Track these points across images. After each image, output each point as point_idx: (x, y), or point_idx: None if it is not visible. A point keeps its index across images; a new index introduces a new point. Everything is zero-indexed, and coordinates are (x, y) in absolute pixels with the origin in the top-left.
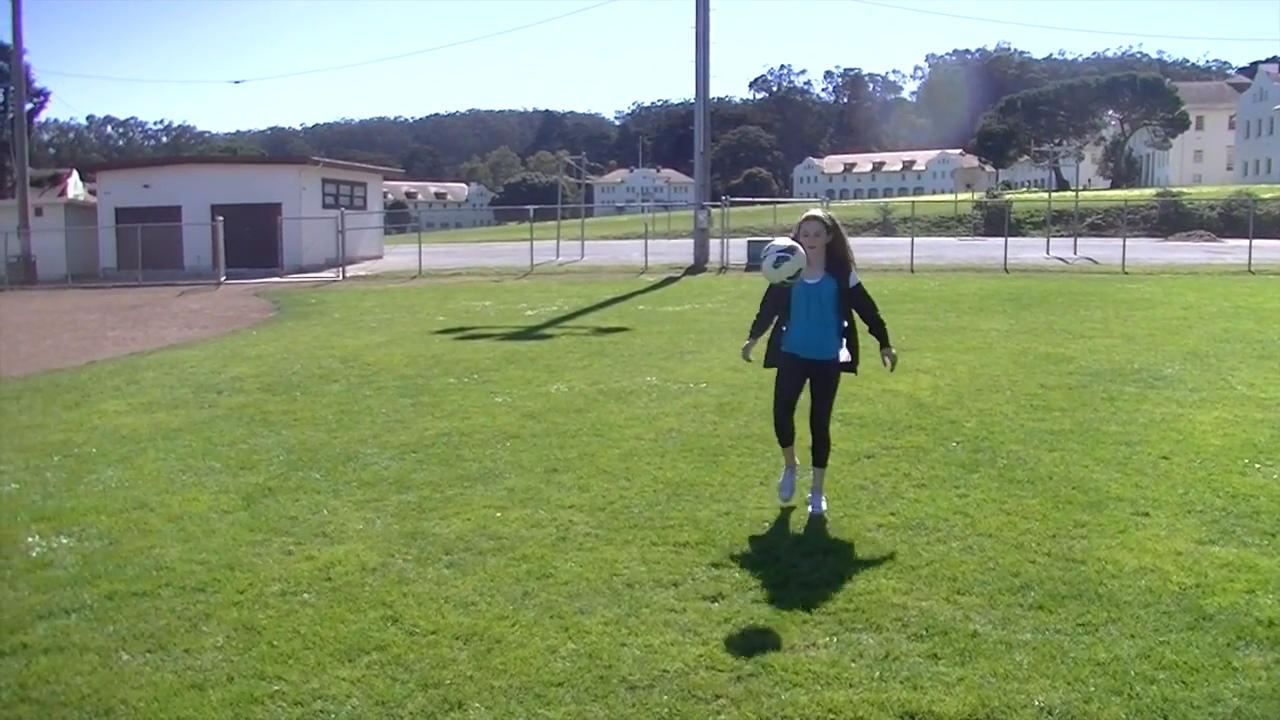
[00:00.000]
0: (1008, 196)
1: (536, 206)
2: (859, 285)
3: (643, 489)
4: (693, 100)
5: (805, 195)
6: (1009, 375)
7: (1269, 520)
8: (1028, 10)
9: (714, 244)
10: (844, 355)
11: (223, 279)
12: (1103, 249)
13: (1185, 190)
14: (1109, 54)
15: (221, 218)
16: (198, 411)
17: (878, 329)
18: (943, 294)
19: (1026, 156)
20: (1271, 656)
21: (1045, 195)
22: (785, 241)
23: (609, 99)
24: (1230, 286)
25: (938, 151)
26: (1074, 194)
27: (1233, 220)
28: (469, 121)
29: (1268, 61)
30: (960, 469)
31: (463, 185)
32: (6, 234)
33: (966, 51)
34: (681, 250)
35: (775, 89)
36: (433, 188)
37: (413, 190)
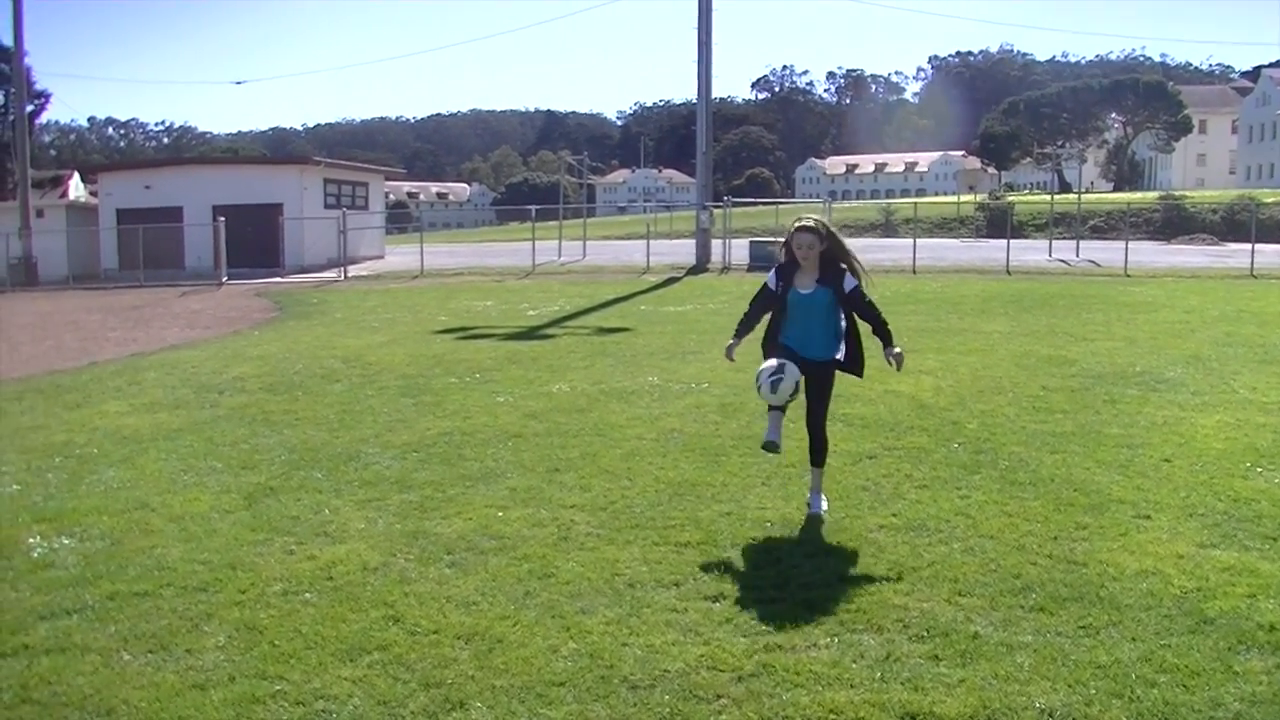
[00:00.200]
0: (1010, 198)
1: (538, 206)
2: (856, 288)
3: (644, 489)
4: (695, 100)
5: (807, 196)
6: (1011, 377)
7: (1270, 524)
8: (1031, 12)
9: (716, 244)
10: (840, 354)
11: (224, 279)
12: (1105, 252)
13: (1188, 194)
14: (1112, 57)
15: (223, 218)
16: (199, 412)
17: (880, 330)
18: (945, 295)
19: (1029, 159)
20: (1272, 661)
21: (1048, 197)
22: (772, 363)
23: (611, 99)
24: (1233, 290)
25: (940, 153)
26: (1076, 196)
27: (1235, 224)
28: (470, 121)
29: (1271, 66)
30: (962, 470)
31: (464, 185)
32: (8, 235)
33: (969, 53)
34: (683, 250)
35: (777, 89)
36: (434, 188)
37: (414, 190)
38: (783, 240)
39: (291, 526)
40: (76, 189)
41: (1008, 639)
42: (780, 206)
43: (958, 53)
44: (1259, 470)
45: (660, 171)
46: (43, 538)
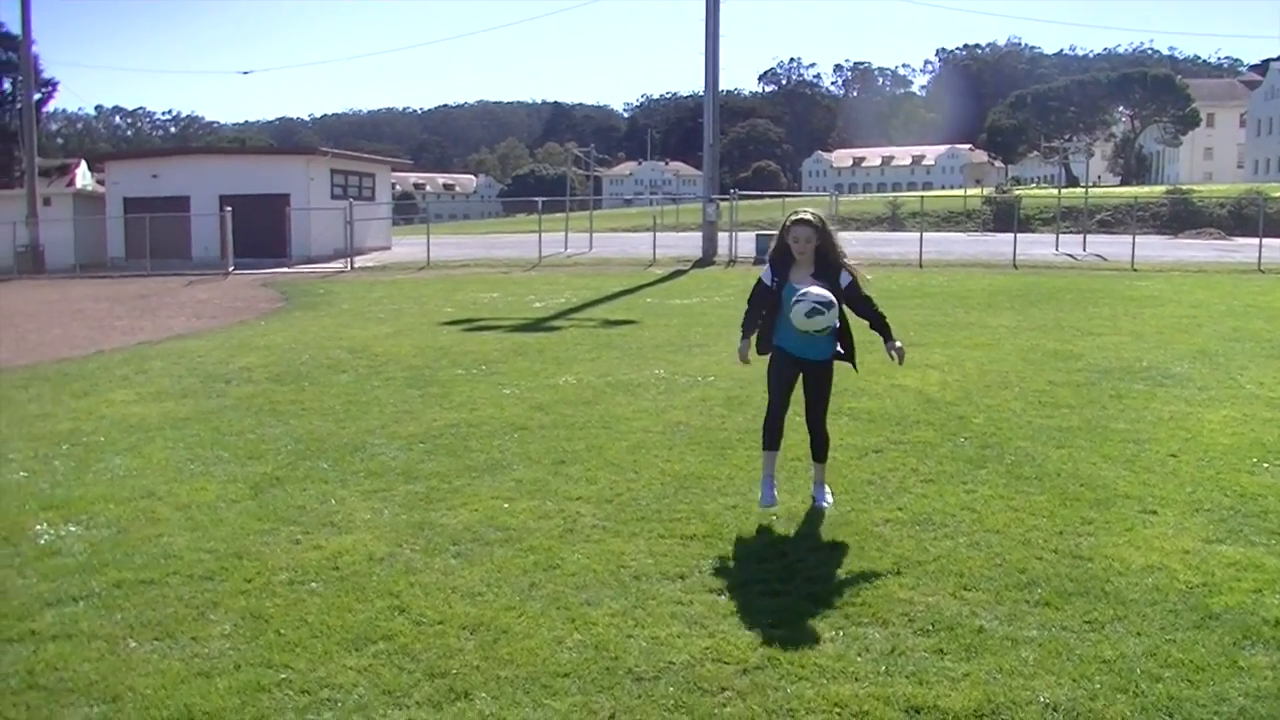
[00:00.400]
0: (1017, 192)
1: (545, 198)
2: (852, 283)
3: (650, 481)
4: (702, 93)
5: (814, 189)
6: (1017, 371)
7: (1277, 520)
8: (1038, 5)
9: (722, 237)
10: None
11: (231, 269)
12: (1112, 246)
13: (1195, 188)
14: (1120, 50)
15: (230, 208)
16: (206, 401)
17: (878, 325)
18: (951, 289)
19: (1036, 152)
20: (1278, 656)
21: (1055, 191)
22: (826, 294)
23: (618, 91)
24: (1240, 285)
25: (947, 146)
26: (1084, 190)
27: (1243, 218)
28: (477, 113)
29: (1279, 59)
30: (968, 465)
31: (471, 177)
32: (15, 223)
33: (977, 46)
34: (690, 243)
35: (784, 82)
36: (441, 179)
37: (421, 181)
38: (780, 227)
39: (298, 516)
40: (83, 177)
41: (1013, 633)
42: (787, 199)
43: (965, 46)
44: (1265, 465)
45: (667, 164)
46: (50, 525)
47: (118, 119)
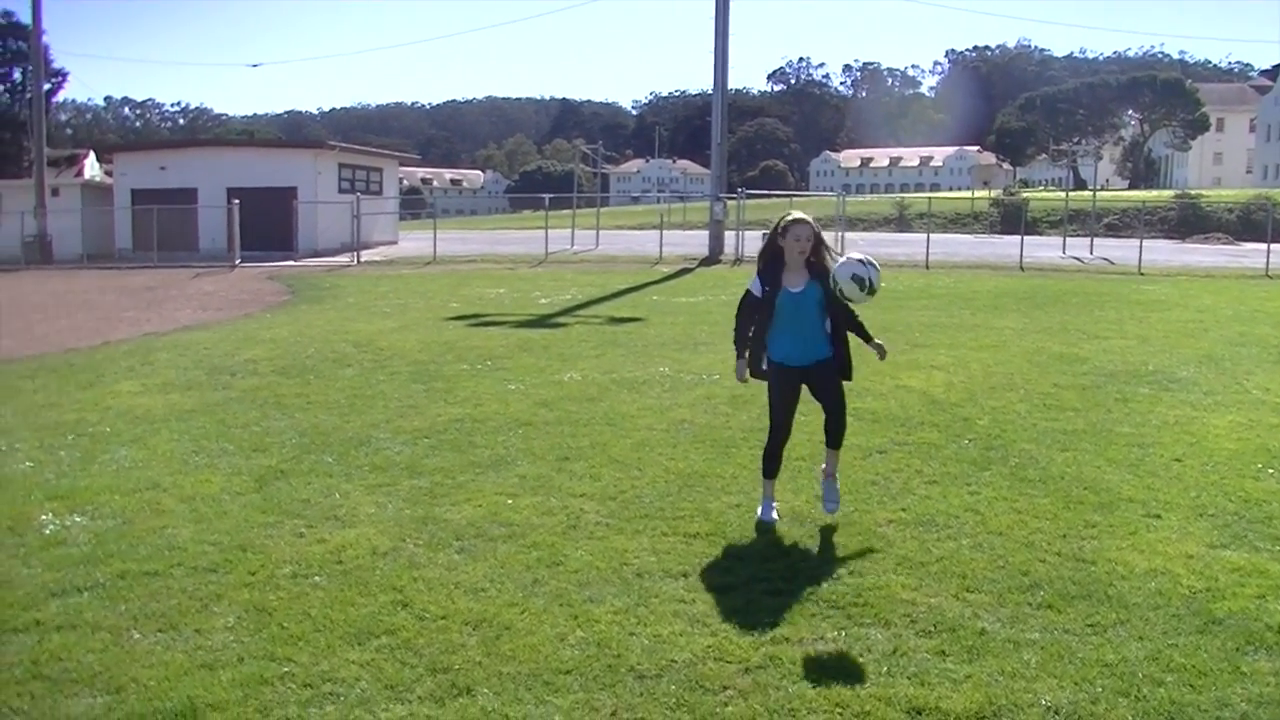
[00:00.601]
0: (1025, 195)
1: (552, 195)
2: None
3: (654, 479)
4: (710, 91)
5: (821, 188)
6: (1022, 374)
7: None
8: (1049, 8)
9: (729, 236)
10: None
11: (237, 262)
12: (1119, 249)
13: (1204, 192)
14: (1130, 53)
15: (237, 201)
16: (211, 393)
17: (859, 327)
18: (957, 291)
19: (1044, 155)
20: None
21: (1062, 194)
22: (872, 268)
23: (626, 89)
24: (1247, 290)
25: (955, 148)
26: (1091, 193)
27: (1251, 224)
28: (486, 109)
29: None
30: (972, 466)
31: (478, 172)
32: (23, 214)
33: (987, 48)
34: (696, 241)
35: (793, 81)
36: (448, 174)
37: (428, 176)
38: (770, 232)
39: (302, 510)
40: (92, 168)
41: (1015, 636)
42: (794, 199)
43: (975, 47)
44: (1270, 471)
45: (674, 162)
46: (55, 515)
47: (126, 110)
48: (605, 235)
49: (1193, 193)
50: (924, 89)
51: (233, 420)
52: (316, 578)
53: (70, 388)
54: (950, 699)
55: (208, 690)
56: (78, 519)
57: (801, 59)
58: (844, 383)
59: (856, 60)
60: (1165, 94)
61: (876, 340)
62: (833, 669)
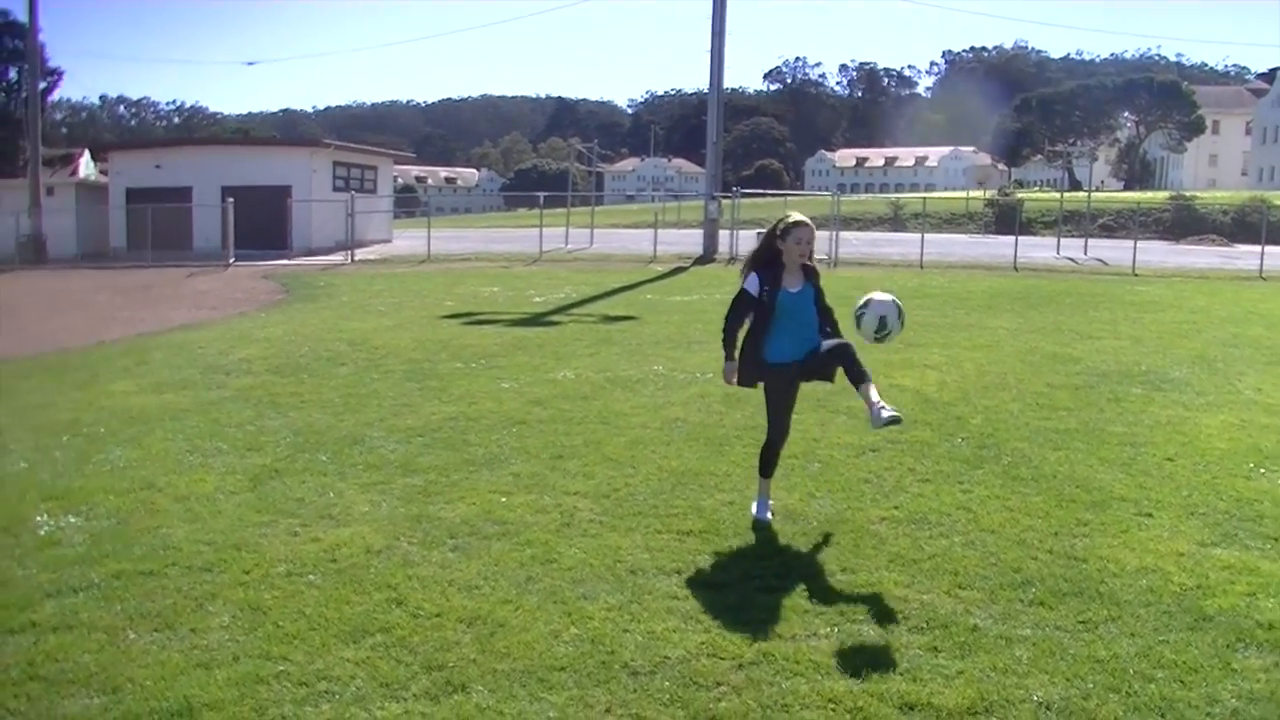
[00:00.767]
0: (1020, 195)
1: (547, 193)
2: (821, 288)
3: (648, 477)
4: (706, 90)
5: (816, 188)
6: (1016, 373)
7: (1272, 524)
8: (1046, 9)
9: (724, 235)
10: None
11: (232, 260)
12: (1114, 250)
13: (1199, 194)
14: (1127, 55)
15: (232, 199)
16: (205, 392)
17: (834, 328)
18: (952, 291)
19: (1040, 156)
20: (1270, 659)
21: (1057, 195)
22: (885, 302)
23: (622, 87)
24: (1241, 292)
25: (951, 148)
26: (1086, 194)
27: (1246, 226)
28: (481, 106)
29: None
30: (964, 465)
31: (473, 170)
32: (18, 213)
33: (984, 49)
34: (691, 240)
35: (789, 81)
36: (443, 172)
37: (423, 174)
38: (768, 233)
39: (296, 509)
40: (87, 167)
41: (1007, 632)
42: (789, 198)
43: (971, 48)
44: (1262, 471)
45: (670, 161)
46: (50, 515)
47: (122, 109)
48: (600, 234)
49: (1188, 194)
50: (920, 89)
51: (227, 419)
52: (311, 576)
53: (65, 388)
54: (942, 695)
55: (203, 689)
56: (73, 519)
57: (798, 58)
58: (834, 388)
59: (853, 60)
60: (1161, 96)
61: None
62: (826, 665)
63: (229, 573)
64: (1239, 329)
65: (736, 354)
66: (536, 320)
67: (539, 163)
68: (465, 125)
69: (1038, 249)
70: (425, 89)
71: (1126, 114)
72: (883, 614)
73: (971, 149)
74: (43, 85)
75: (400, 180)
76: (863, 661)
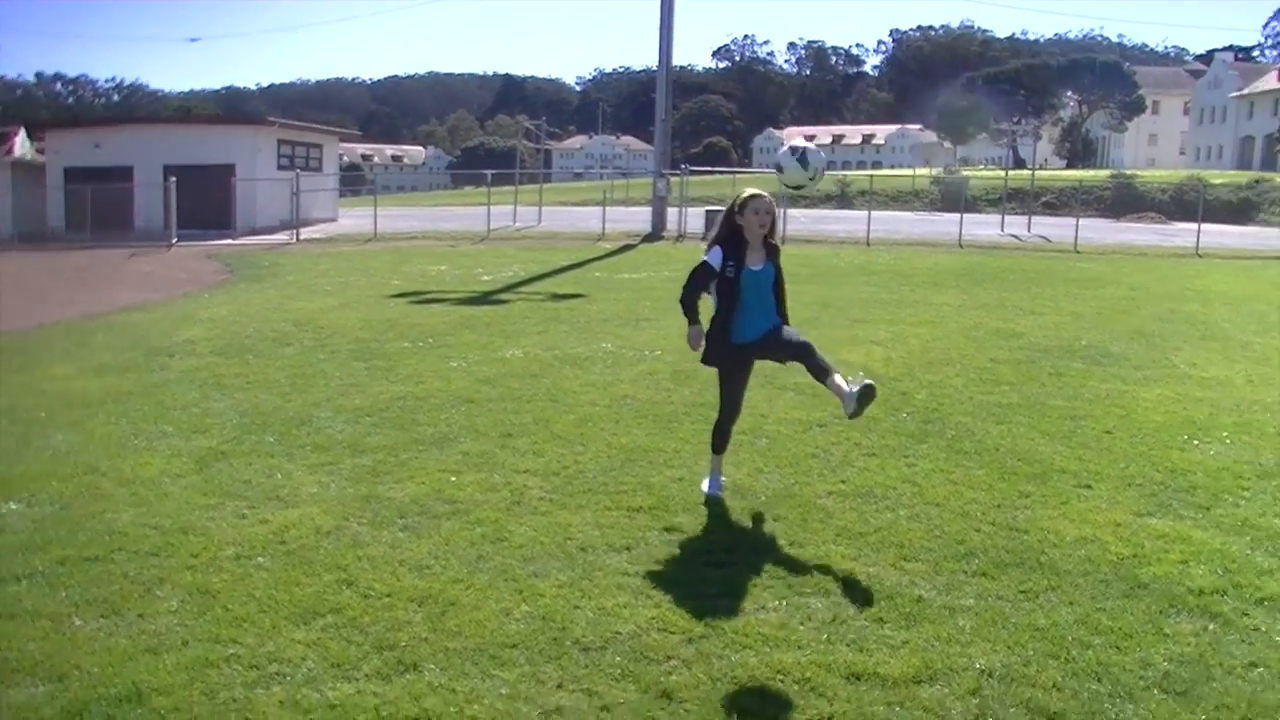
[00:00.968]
0: (965, 173)
1: (494, 171)
2: (780, 268)
3: (597, 454)
4: (655, 68)
5: (765, 166)
6: (960, 349)
7: (1204, 494)
8: None
9: (672, 212)
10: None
11: (174, 241)
12: (1056, 228)
13: (1139, 173)
14: (1070, 35)
15: (174, 179)
16: (149, 375)
17: (785, 314)
18: (897, 268)
19: (985, 134)
20: (1200, 623)
21: (1002, 173)
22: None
23: (570, 64)
24: (1178, 268)
25: (898, 127)
26: (1030, 173)
27: (1184, 204)
28: (427, 84)
29: (1224, 49)
30: (909, 439)
31: (420, 148)
32: None
33: (931, 28)
34: (639, 218)
35: (738, 59)
36: (389, 150)
37: (369, 152)
38: (726, 211)
39: (243, 491)
40: (22, 146)
41: (950, 602)
42: (737, 175)
43: (918, 27)
44: (1195, 442)
45: (618, 138)
46: None
47: (59, 86)
48: (548, 212)
49: (1128, 173)
50: (868, 68)
51: (172, 402)
52: (260, 559)
53: (3, 371)
54: (888, 664)
55: (153, 675)
56: (14, 506)
57: (746, 36)
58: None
59: (801, 38)
60: (1103, 76)
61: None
62: (774, 638)
63: (176, 557)
64: (1175, 305)
65: (698, 320)
66: (484, 299)
67: (486, 140)
68: (411, 103)
69: (982, 226)
70: (371, 66)
71: (1069, 93)
72: (829, 587)
73: (918, 127)
74: None
75: (346, 158)
76: (810, 633)
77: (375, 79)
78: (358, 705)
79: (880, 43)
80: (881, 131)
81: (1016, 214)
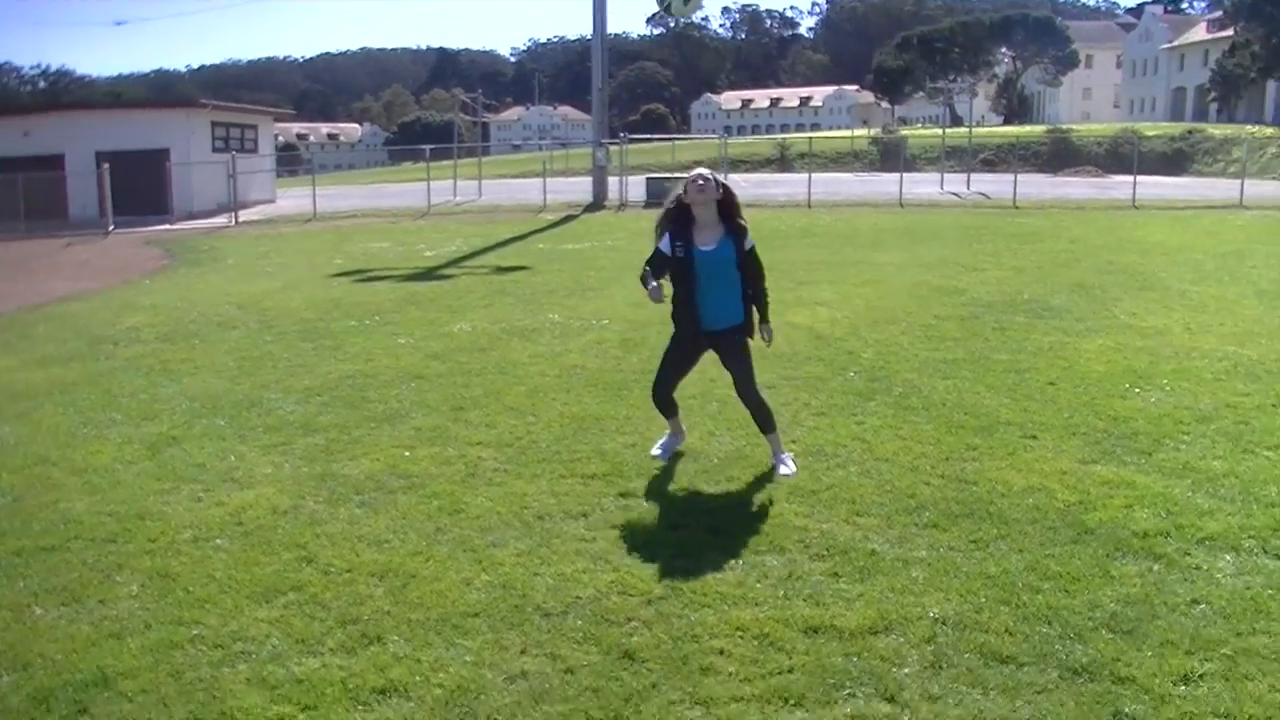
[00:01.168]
0: (903, 132)
1: (432, 146)
2: (753, 248)
3: (549, 424)
4: (590, 37)
5: (703, 131)
6: (904, 307)
7: (1146, 440)
8: None
9: (612, 181)
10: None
11: (111, 228)
12: (995, 184)
13: (1074, 127)
14: None
15: (107, 165)
16: (94, 364)
17: (760, 299)
18: (839, 229)
19: (922, 93)
20: (1145, 565)
21: (940, 131)
22: None
23: (504, 36)
24: (1115, 221)
25: (834, 88)
26: (968, 130)
27: (1119, 156)
28: (360, 60)
29: (1153, 2)
30: (858, 397)
31: (355, 125)
32: None
33: None
34: (580, 188)
35: (672, 25)
36: (325, 128)
37: (304, 131)
38: (674, 195)
39: (198, 474)
40: None
41: (903, 555)
42: (676, 142)
43: None
44: (1136, 391)
45: (555, 109)
46: None
47: None
48: (488, 185)
49: (1064, 128)
50: (803, 29)
51: (119, 390)
52: (218, 540)
53: None
54: (844, 616)
55: (117, 659)
56: None
57: None
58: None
59: (735, 2)
60: (1036, 32)
61: (770, 325)
62: (732, 596)
63: (134, 542)
64: (1114, 257)
65: (659, 277)
66: (428, 274)
67: (423, 115)
68: (345, 80)
69: (922, 185)
70: (302, 44)
71: (1004, 50)
72: (784, 544)
73: (855, 88)
74: None
75: (281, 138)
76: (767, 590)
77: (307, 57)
78: (324, 679)
79: (814, 4)
80: (819, 93)
81: (955, 172)
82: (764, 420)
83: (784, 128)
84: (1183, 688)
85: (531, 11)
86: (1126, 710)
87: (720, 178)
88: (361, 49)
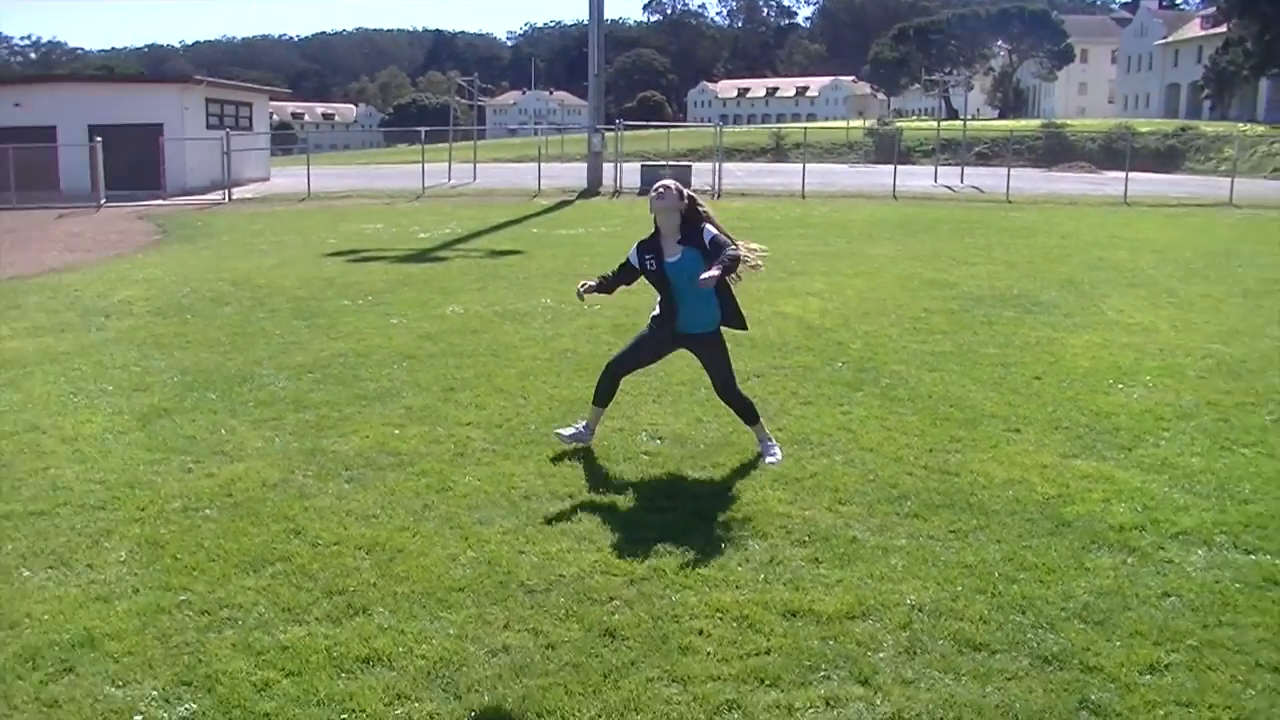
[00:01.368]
0: (899, 124)
1: (428, 128)
2: (715, 236)
3: (539, 406)
4: (587, 21)
5: (699, 119)
6: (894, 299)
7: (1127, 436)
8: None
9: (607, 167)
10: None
11: (103, 202)
12: (989, 178)
13: (1069, 122)
14: None
15: (100, 138)
16: (86, 335)
17: (719, 260)
18: (833, 220)
19: (918, 85)
20: (1119, 558)
21: (935, 124)
22: None
23: (501, 19)
24: (1107, 217)
25: (831, 78)
26: (963, 123)
27: (1113, 152)
28: (357, 40)
29: None
30: (845, 387)
31: (351, 106)
32: None
33: None
34: (575, 174)
35: (670, 12)
36: (320, 108)
37: (299, 111)
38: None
39: (188, 446)
40: None
41: (883, 543)
42: (672, 130)
43: None
44: (1120, 386)
45: (551, 94)
46: None
47: None
48: (483, 169)
49: (1058, 122)
50: (800, 19)
51: (110, 361)
52: (207, 510)
53: None
54: (823, 601)
55: (104, 621)
56: None
57: None
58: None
59: None
60: (1032, 25)
61: (716, 271)
62: (714, 579)
63: (123, 510)
64: (1104, 253)
65: (601, 285)
66: (422, 256)
67: (418, 97)
68: (341, 60)
69: (916, 177)
70: (298, 22)
71: (1000, 43)
72: (767, 529)
73: (851, 79)
74: None
75: (276, 117)
76: (748, 574)
77: (303, 36)
78: (309, 646)
79: None
80: (815, 84)
81: (950, 165)
82: (747, 415)
83: (780, 117)
84: (1148, 677)
85: None
86: (1093, 698)
87: (685, 190)
88: (358, 29)
